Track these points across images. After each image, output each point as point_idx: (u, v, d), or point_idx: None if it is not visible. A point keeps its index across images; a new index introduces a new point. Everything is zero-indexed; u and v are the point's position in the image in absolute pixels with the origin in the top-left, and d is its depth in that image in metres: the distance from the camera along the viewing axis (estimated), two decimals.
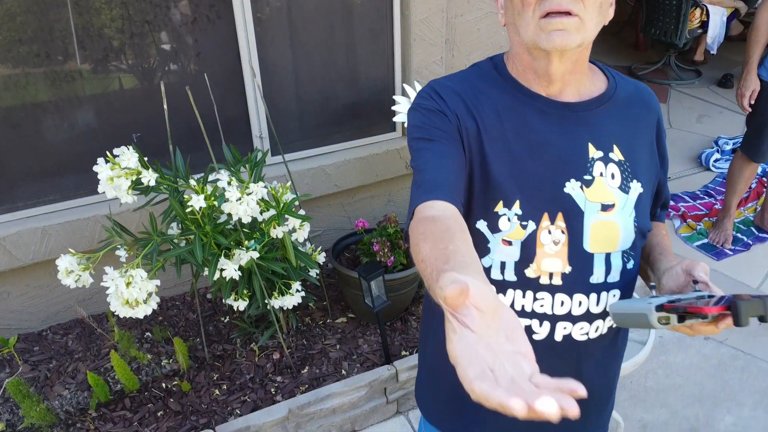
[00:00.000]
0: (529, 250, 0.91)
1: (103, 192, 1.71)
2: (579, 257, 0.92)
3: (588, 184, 0.92)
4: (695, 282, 0.85)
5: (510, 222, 0.90)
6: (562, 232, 0.90)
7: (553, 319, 0.95)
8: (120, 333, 2.34)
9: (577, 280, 0.93)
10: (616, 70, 1.06)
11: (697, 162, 4.13)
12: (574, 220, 0.91)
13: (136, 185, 1.76)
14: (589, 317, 0.96)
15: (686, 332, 0.82)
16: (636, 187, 0.95)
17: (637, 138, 0.97)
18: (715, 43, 5.11)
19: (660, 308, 0.81)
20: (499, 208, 0.90)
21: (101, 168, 1.65)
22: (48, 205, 2.38)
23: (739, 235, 3.35)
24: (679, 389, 2.45)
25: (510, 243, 0.91)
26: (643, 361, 1.95)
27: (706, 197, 3.69)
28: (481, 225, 0.91)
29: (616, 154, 0.94)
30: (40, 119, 2.27)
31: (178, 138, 2.41)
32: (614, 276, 0.94)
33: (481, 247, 0.92)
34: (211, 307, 2.66)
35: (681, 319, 0.80)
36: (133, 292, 1.74)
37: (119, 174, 1.69)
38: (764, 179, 3.73)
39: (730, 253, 3.22)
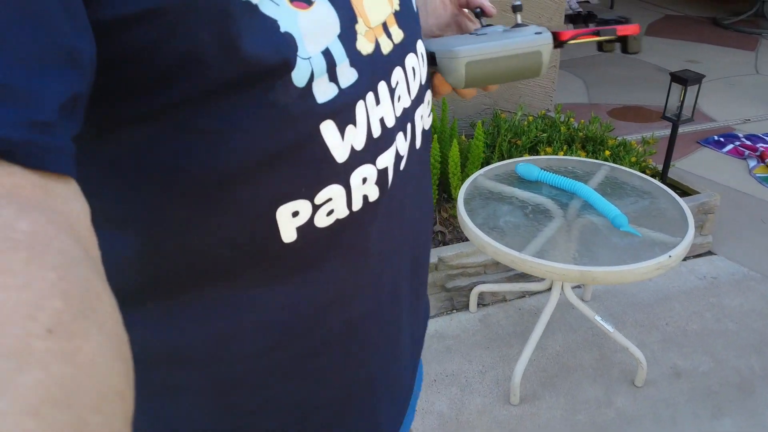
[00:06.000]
0: None
1: None
2: None
3: None
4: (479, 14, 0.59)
5: None
6: None
7: (412, 112, 0.50)
8: None
9: (407, 13, 0.49)
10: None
11: None
12: None
13: None
14: (422, 89, 0.52)
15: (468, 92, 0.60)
16: None
17: None
18: None
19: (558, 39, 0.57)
20: None
21: None
22: None
23: None
24: (731, 336, 1.88)
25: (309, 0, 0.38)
26: (674, 265, 1.41)
27: None
28: None
29: None
30: None
31: None
32: None
33: (267, 48, 0.35)
34: None
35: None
36: None
37: None
38: None
39: None
